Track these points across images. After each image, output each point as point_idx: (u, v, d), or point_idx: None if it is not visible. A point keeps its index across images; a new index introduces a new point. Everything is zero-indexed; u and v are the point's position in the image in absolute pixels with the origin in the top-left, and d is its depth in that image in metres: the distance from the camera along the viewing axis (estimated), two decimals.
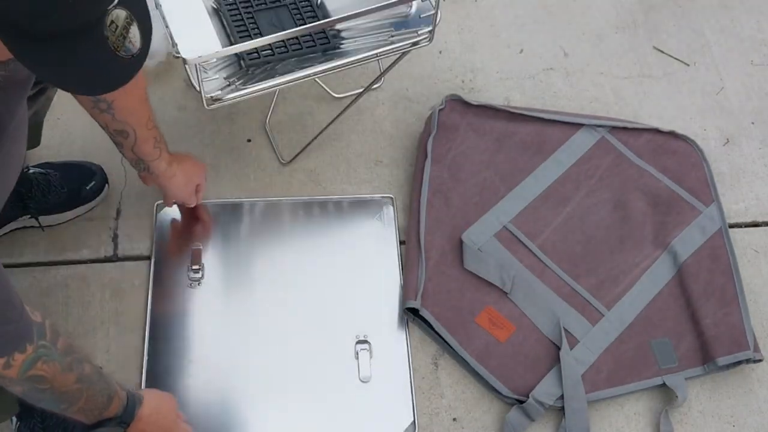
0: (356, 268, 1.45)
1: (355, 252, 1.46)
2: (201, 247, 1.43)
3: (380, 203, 1.51)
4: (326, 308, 1.40)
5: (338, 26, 1.36)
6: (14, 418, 1.23)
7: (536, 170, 1.55)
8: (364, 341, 1.37)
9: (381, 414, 1.32)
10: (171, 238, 1.45)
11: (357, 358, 1.35)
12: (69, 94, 1.58)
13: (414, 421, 1.31)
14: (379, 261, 1.46)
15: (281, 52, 1.33)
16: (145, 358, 1.33)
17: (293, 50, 1.33)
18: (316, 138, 1.52)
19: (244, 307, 1.39)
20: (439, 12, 1.33)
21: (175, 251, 1.43)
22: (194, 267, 1.40)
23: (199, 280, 1.40)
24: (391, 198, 1.53)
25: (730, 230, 1.52)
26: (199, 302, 1.39)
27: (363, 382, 1.34)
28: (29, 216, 1.40)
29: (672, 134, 1.60)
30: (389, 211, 1.51)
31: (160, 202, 1.46)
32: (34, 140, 1.30)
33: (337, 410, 1.31)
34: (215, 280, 1.41)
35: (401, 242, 1.48)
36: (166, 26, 1.18)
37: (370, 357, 1.36)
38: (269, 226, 1.48)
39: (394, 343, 1.38)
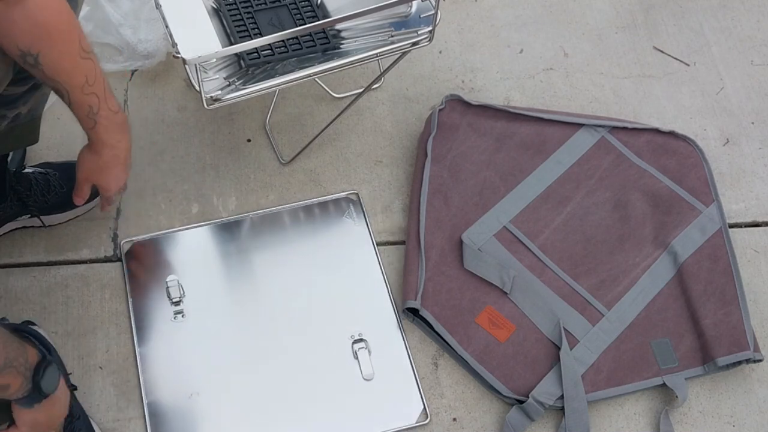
0: (337, 268, 1.44)
1: (332, 254, 1.46)
2: (177, 278, 1.41)
3: (346, 201, 1.51)
4: (316, 314, 1.39)
5: (338, 26, 1.36)
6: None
7: (536, 170, 1.55)
8: (361, 339, 1.37)
9: (390, 406, 1.32)
10: (144, 274, 1.42)
11: (356, 357, 1.35)
12: None
13: (424, 408, 1.32)
14: (358, 257, 1.46)
15: (281, 52, 1.33)
16: (144, 395, 1.31)
17: (293, 50, 1.33)
18: (316, 138, 1.52)
19: (233, 331, 1.37)
20: (439, 12, 1.33)
21: (152, 286, 1.40)
22: (174, 299, 1.39)
23: (182, 312, 1.38)
24: (356, 194, 1.52)
25: (730, 230, 1.52)
26: (186, 333, 1.36)
27: (366, 380, 1.34)
28: (29, 216, 1.40)
29: (672, 134, 1.60)
30: (357, 208, 1.51)
31: (126, 240, 1.44)
32: (31, 137, 1.30)
33: (347, 412, 1.31)
34: (198, 308, 1.39)
35: (388, 242, 1.48)
36: (166, 26, 1.18)
37: (369, 354, 1.36)
38: (241, 244, 1.46)
39: (390, 336, 1.38)
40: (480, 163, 1.54)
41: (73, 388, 1.26)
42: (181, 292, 1.39)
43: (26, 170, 1.41)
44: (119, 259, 1.44)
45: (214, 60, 1.28)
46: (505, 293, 1.41)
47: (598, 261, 1.46)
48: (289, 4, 1.37)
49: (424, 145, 1.53)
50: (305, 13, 1.37)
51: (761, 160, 1.64)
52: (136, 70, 1.64)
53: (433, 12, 1.33)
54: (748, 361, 1.37)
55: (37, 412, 1.05)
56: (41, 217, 1.41)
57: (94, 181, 1.23)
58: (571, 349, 1.36)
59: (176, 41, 1.16)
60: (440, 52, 1.73)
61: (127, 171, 1.24)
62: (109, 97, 1.12)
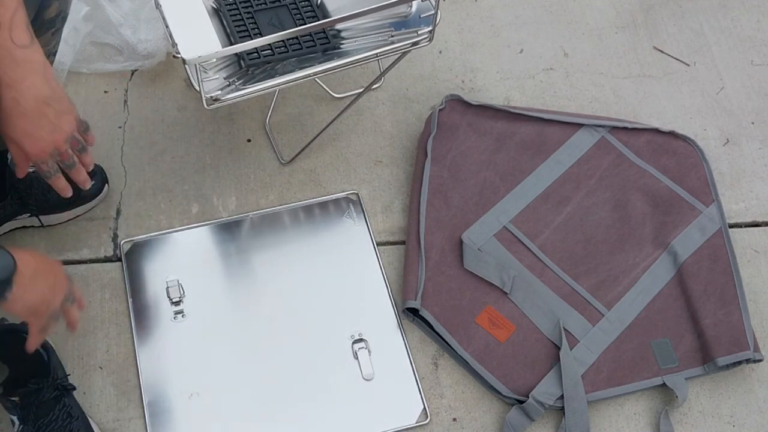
0: (337, 268, 1.44)
1: (332, 254, 1.46)
2: (177, 278, 1.41)
3: (346, 201, 1.51)
4: (316, 314, 1.39)
5: (338, 26, 1.36)
6: (16, 420, 1.23)
7: (536, 170, 1.55)
8: (361, 339, 1.37)
9: (390, 406, 1.32)
10: (144, 274, 1.41)
11: (356, 357, 1.36)
12: (69, 94, 1.59)
13: (424, 408, 1.32)
14: (359, 257, 1.46)
15: (281, 52, 1.33)
16: (144, 395, 1.32)
17: (293, 50, 1.33)
18: (316, 138, 1.52)
19: (233, 331, 1.37)
20: (439, 12, 1.33)
21: (152, 286, 1.40)
22: (174, 299, 1.39)
23: (182, 312, 1.38)
24: (356, 194, 1.52)
25: (730, 230, 1.52)
26: (186, 333, 1.36)
27: (366, 380, 1.34)
28: (29, 215, 1.40)
29: (672, 134, 1.60)
30: (357, 208, 1.51)
31: (126, 240, 1.45)
32: None
33: (347, 412, 1.31)
34: (198, 308, 1.38)
35: (388, 242, 1.48)
36: (166, 26, 1.18)
37: (369, 354, 1.36)
38: (241, 244, 1.46)
39: (390, 336, 1.38)
40: (480, 163, 1.54)
41: (71, 387, 1.26)
42: (181, 292, 1.40)
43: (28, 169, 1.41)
44: (119, 259, 1.44)
45: (214, 60, 1.28)
46: (505, 293, 1.41)
47: (598, 261, 1.46)
48: (289, 4, 1.37)
49: (424, 145, 1.53)
50: (305, 13, 1.37)
51: (761, 160, 1.64)
52: (136, 70, 1.64)
53: (433, 12, 1.33)
54: (748, 361, 1.37)
55: (16, 295, 0.97)
56: (40, 216, 1.41)
57: (5, 134, 1.03)
58: (571, 349, 1.36)
59: (176, 41, 1.16)
60: (440, 52, 1.73)
61: (43, 131, 1.02)
62: (16, 29, 0.97)
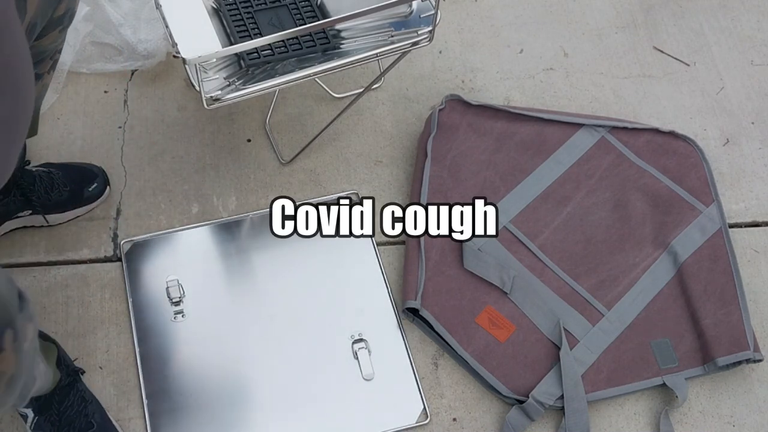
0: (337, 268, 1.44)
1: (332, 253, 1.46)
2: (177, 278, 1.41)
3: (346, 200, 1.52)
4: (316, 314, 1.39)
5: (338, 26, 1.36)
6: (30, 413, 1.23)
7: (536, 170, 1.55)
8: (361, 339, 1.37)
9: (390, 406, 1.32)
10: (144, 274, 1.41)
11: (356, 357, 1.36)
12: (69, 94, 1.59)
13: (424, 408, 1.32)
14: (359, 257, 1.46)
15: (281, 52, 1.33)
16: (144, 395, 1.32)
17: (293, 50, 1.33)
18: (316, 138, 1.52)
19: (233, 331, 1.37)
20: (439, 12, 1.33)
21: (152, 286, 1.40)
22: (174, 299, 1.39)
23: (182, 312, 1.38)
24: (356, 194, 1.53)
25: (730, 230, 1.52)
26: (186, 333, 1.36)
27: (366, 380, 1.34)
28: (31, 213, 1.40)
29: (672, 134, 1.61)
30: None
31: (126, 240, 1.45)
32: (31, 129, 1.29)
33: (347, 412, 1.31)
34: (198, 308, 1.39)
35: (388, 242, 1.48)
36: (166, 26, 1.18)
37: (369, 354, 1.36)
38: (241, 244, 1.46)
39: (390, 336, 1.38)
40: (480, 163, 1.54)
41: (81, 371, 1.26)
42: (181, 292, 1.40)
43: (29, 167, 1.41)
44: (119, 259, 1.44)
45: (214, 60, 1.28)
46: (505, 293, 1.41)
47: (598, 261, 1.46)
48: (289, 4, 1.37)
49: (424, 145, 1.53)
50: (305, 13, 1.37)
51: (761, 160, 1.64)
52: (136, 70, 1.64)
53: (433, 12, 1.33)
54: (748, 361, 1.37)
55: None
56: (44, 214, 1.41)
57: None
58: (571, 349, 1.36)
59: (176, 41, 1.16)
60: (440, 52, 1.73)
61: None
62: None
